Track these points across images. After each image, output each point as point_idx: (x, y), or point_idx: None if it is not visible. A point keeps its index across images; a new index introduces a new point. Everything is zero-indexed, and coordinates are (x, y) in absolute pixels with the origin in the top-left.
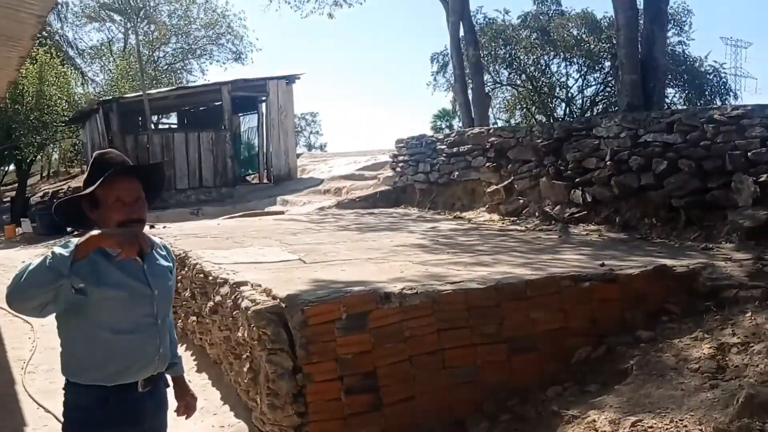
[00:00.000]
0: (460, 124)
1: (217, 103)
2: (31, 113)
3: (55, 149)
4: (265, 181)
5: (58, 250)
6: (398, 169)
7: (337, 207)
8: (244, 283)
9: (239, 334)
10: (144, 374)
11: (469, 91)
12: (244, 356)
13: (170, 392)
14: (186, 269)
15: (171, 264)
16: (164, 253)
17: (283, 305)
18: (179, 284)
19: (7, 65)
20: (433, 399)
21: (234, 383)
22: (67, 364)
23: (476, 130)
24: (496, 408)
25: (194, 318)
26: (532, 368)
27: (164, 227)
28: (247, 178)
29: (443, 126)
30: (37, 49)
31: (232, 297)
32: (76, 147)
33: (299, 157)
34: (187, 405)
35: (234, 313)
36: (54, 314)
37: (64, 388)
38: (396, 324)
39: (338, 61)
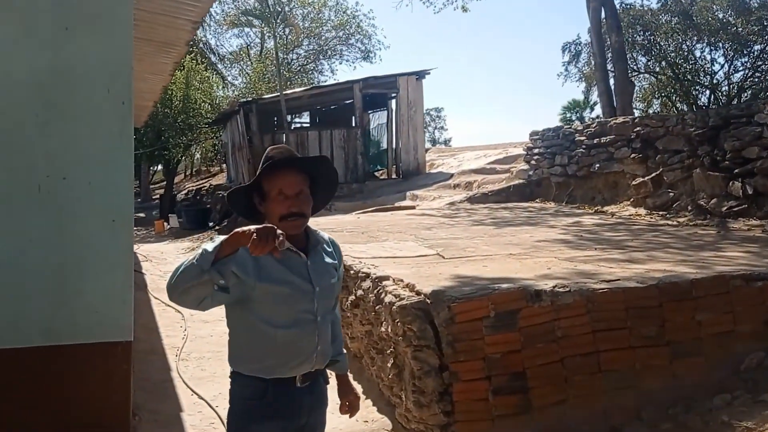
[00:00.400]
0: (592, 116)
1: (347, 102)
2: (179, 116)
3: (198, 149)
4: (394, 176)
5: (206, 246)
6: (533, 162)
7: (469, 201)
8: (386, 278)
9: (382, 329)
10: (301, 370)
11: (611, 80)
12: (388, 351)
13: (332, 390)
14: None
15: (337, 261)
16: (330, 249)
17: (429, 301)
18: None
19: (162, 71)
20: (587, 403)
21: (376, 378)
22: (232, 353)
23: (620, 119)
24: (657, 416)
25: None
26: (696, 374)
27: None
28: (376, 173)
29: (573, 118)
30: (185, 56)
31: (375, 291)
32: (216, 147)
33: (427, 152)
34: (351, 404)
35: (376, 307)
36: (213, 307)
37: (230, 377)
38: (547, 323)
39: (462, 56)
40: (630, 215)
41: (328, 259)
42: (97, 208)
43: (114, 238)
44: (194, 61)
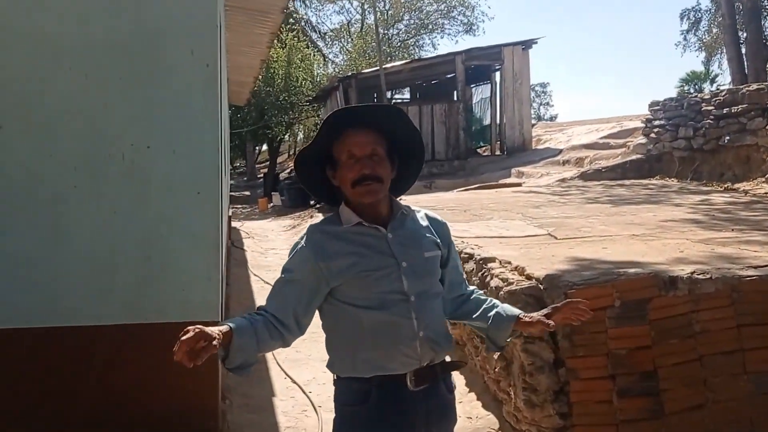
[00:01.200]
0: (712, 88)
1: (449, 76)
2: (281, 94)
3: (300, 128)
4: (498, 152)
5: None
6: (652, 135)
7: (581, 178)
8: (492, 260)
9: None
10: (405, 363)
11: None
12: None
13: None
14: None
15: (434, 235)
16: (426, 223)
17: (542, 287)
18: None
19: (259, 43)
20: (730, 410)
21: (480, 369)
22: (329, 356)
23: (753, 86)
24: None
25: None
26: None
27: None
28: (479, 150)
29: (691, 91)
30: (286, 34)
31: (479, 274)
32: (317, 125)
33: (533, 127)
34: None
35: (481, 291)
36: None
37: (333, 384)
38: (683, 316)
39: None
40: (766, 193)
41: (420, 231)
42: (181, 179)
43: (199, 212)
44: (295, 39)
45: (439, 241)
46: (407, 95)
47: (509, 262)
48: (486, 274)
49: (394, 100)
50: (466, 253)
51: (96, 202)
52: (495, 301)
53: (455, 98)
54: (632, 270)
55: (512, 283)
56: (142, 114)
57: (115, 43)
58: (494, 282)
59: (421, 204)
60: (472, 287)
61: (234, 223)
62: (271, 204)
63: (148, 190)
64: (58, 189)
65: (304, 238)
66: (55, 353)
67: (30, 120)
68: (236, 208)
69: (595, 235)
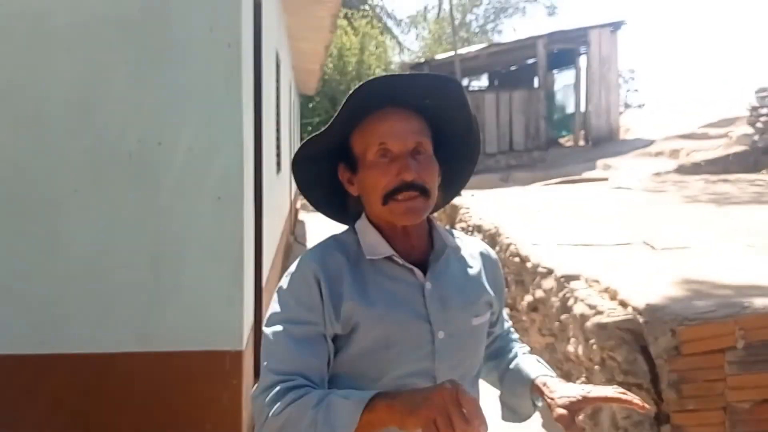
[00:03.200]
0: None
1: (529, 61)
2: (352, 83)
3: None
4: (582, 143)
5: (335, 408)
6: (759, 124)
7: (677, 172)
8: (576, 277)
9: (570, 349)
10: None
11: None
12: (578, 381)
13: None
14: (498, 249)
15: (487, 286)
16: (477, 264)
17: (642, 319)
18: None
19: (321, 27)
20: None
21: None
22: None
23: None
24: None
25: (508, 310)
26: None
27: (472, 195)
28: (560, 140)
29: None
30: (359, 21)
31: (560, 295)
32: None
33: (621, 115)
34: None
35: (562, 317)
36: None
37: None
38: None
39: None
40: None
41: (471, 282)
42: (197, 181)
43: (219, 221)
44: (369, 25)
45: (493, 294)
46: (484, 82)
47: (597, 281)
48: (568, 296)
49: (470, 89)
50: (543, 267)
51: (99, 209)
52: (525, 348)
53: (536, 85)
54: (759, 300)
55: (602, 312)
56: (153, 105)
57: (119, 20)
58: (579, 308)
59: (495, 201)
60: (507, 324)
61: (302, 216)
62: None
63: (159, 195)
64: (56, 194)
65: (307, 264)
66: (56, 384)
67: (21, 113)
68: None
69: (700, 245)
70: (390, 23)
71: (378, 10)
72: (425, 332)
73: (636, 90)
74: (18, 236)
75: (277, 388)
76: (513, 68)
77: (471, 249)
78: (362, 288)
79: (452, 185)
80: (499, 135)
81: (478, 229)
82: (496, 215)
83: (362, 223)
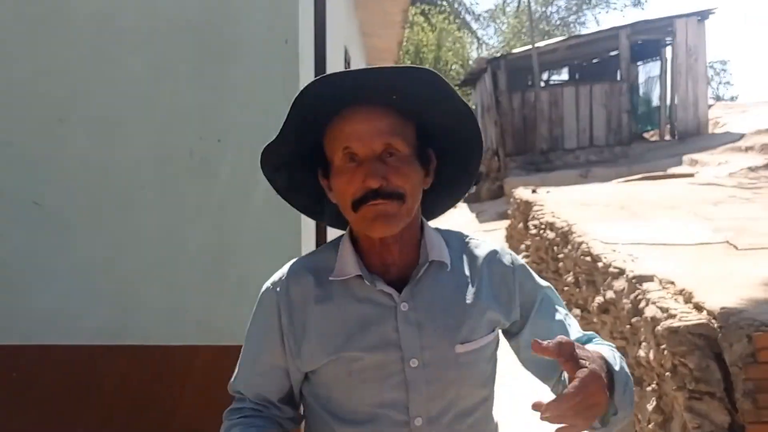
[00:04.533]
0: None
1: (612, 53)
2: None
3: None
4: (667, 137)
5: None
6: None
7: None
8: (649, 278)
9: (641, 353)
10: None
11: None
12: (649, 388)
13: None
14: (569, 247)
15: (493, 300)
16: (482, 276)
17: (716, 324)
18: (561, 264)
19: (392, 22)
20: None
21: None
22: None
23: None
24: None
25: (578, 311)
26: None
27: (547, 192)
28: (644, 135)
29: None
30: (437, 17)
31: (631, 297)
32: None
33: (710, 108)
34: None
35: (633, 320)
36: None
37: None
38: None
39: None
40: None
41: (462, 302)
42: (256, 176)
43: (278, 214)
44: (446, 21)
45: (499, 311)
46: (565, 75)
47: (672, 283)
48: (640, 297)
49: (551, 82)
50: (615, 267)
51: (164, 205)
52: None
53: (618, 77)
54: None
55: (674, 316)
56: (211, 102)
57: (183, 20)
58: (650, 310)
59: (571, 198)
60: (595, 337)
61: None
62: None
63: (219, 189)
64: (124, 190)
65: (272, 283)
66: (122, 373)
67: (91, 113)
68: None
69: None
70: (468, 18)
71: (456, 5)
72: (394, 360)
73: (728, 82)
74: (90, 231)
75: (229, 407)
76: (595, 61)
77: (475, 259)
78: (326, 315)
79: (454, 187)
80: (579, 130)
81: (550, 226)
82: (570, 212)
83: (346, 235)
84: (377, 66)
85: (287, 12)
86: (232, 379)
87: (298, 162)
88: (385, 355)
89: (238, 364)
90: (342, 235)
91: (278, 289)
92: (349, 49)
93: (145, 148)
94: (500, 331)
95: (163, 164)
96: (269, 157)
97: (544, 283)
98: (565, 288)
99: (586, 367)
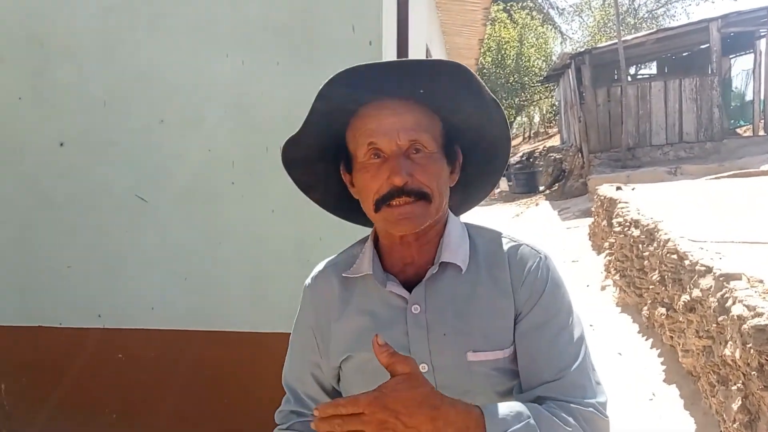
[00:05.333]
0: None
1: (702, 46)
2: (511, 76)
3: (536, 110)
4: (761, 133)
5: None
6: None
7: None
8: (736, 276)
9: (726, 352)
10: None
11: None
12: (734, 387)
13: None
14: (655, 245)
15: (510, 305)
16: (502, 275)
17: None
18: (646, 262)
19: (473, 20)
20: None
21: (716, 414)
22: None
23: None
24: None
25: (663, 310)
26: None
27: (632, 189)
28: (737, 130)
29: None
30: (519, 13)
31: (718, 295)
32: (554, 107)
33: None
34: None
35: (720, 318)
36: None
37: None
38: None
39: None
40: None
41: (479, 308)
42: None
43: None
44: (528, 17)
45: (516, 315)
46: (653, 69)
47: (761, 281)
48: (727, 296)
49: (639, 76)
50: (702, 265)
51: (253, 200)
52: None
53: (709, 71)
54: None
55: (762, 314)
56: (298, 102)
57: (272, 23)
58: (737, 309)
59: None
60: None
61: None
62: (499, 189)
63: None
64: (217, 186)
65: (307, 291)
66: (211, 357)
67: (188, 113)
68: None
69: None
70: (552, 13)
71: (540, 0)
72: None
73: None
74: (187, 223)
75: (278, 409)
76: (685, 54)
77: (503, 263)
78: (345, 313)
79: (480, 184)
80: (668, 125)
81: (635, 224)
82: (656, 210)
83: (371, 232)
84: (396, 60)
85: (371, 14)
86: (284, 372)
87: (318, 155)
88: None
89: (287, 358)
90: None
91: (310, 287)
92: (430, 48)
93: (236, 147)
94: None
95: (251, 162)
96: (291, 150)
97: (561, 302)
98: (651, 287)
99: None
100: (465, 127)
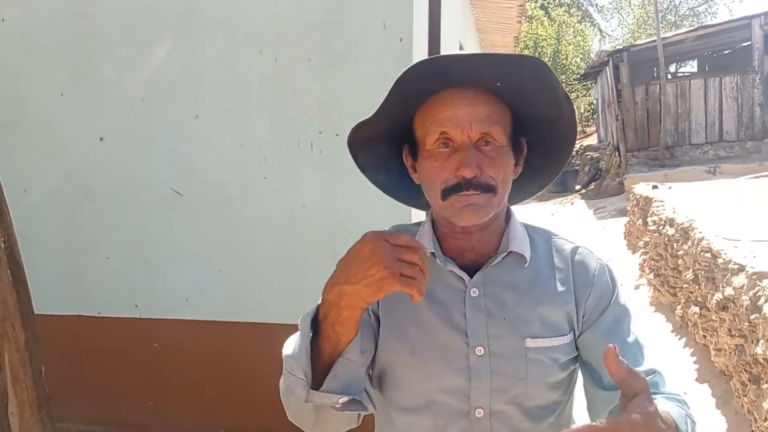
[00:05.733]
0: None
1: (744, 44)
2: None
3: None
4: None
5: (302, 320)
6: None
7: None
8: None
9: (758, 350)
10: None
11: None
12: (765, 385)
13: None
14: (689, 243)
15: (570, 300)
16: (560, 273)
17: None
18: (680, 261)
19: (508, 18)
20: None
21: (747, 413)
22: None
23: None
24: None
25: (697, 309)
26: None
27: (669, 188)
28: None
29: None
30: (556, 10)
31: (750, 293)
32: (592, 106)
33: None
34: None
35: (752, 317)
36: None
37: None
38: None
39: None
40: None
41: (539, 297)
42: None
43: (391, 202)
44: (566, 14)
45: (576, 312)
46: (693, 68)
47: None
48: (759, 294)
49: (679, 74)
50: (735, 263)
51: (285, 194)
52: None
53: (751, 69)
54: None
55: None
56: (330, 98)
57: (304, 21)
58: None
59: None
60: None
61: None
62: None
63: (337, 182)
64: (250, 181)
65: None
66: (244, 348)
67: (222, 108)
68: None
69: None
70: (591, 10)
71: None
72: (459, 344)
73: None
74: (217, 218)
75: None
76: (727, 52)
77: (558, 258)
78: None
79: (539, 178)
80: (707, 124)
81: (670, 222)
82: (692, 208)
83: (428, 216)
84: (486, 52)
85: (402, 11)
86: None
87: (383, 137)
88: (449, 337)
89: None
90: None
91: None
92: (464, 45)
93: (269, 142)
94: None
95: (284, 157)
96: (359, 131)
97: (625, 304)
98: (685, 286)
99: (645, 410)
100: (535, 121)
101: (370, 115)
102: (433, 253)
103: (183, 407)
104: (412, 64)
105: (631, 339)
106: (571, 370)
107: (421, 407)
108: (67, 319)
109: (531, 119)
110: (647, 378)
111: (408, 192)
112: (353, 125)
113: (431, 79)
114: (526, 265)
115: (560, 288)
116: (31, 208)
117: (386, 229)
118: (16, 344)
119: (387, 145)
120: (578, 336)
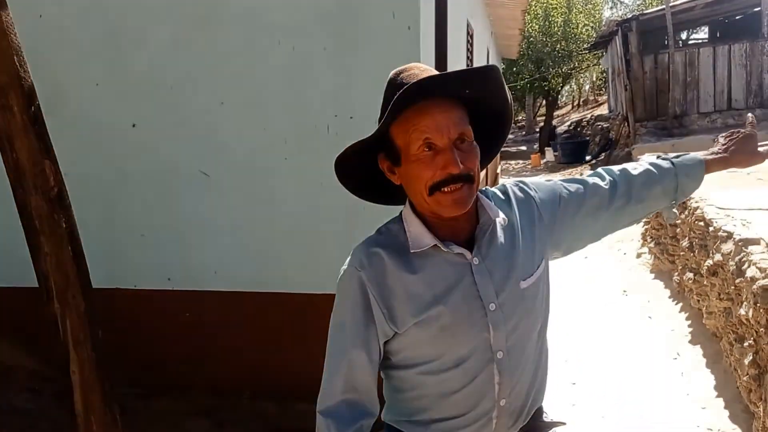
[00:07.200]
0: None
1: (755, 9)
2: (558, 43)
3: (586, 78)
4: None
5: None
6: None
7: None
8: (755, 241)
9: (741, 311)
10: None
11: None
12: (746, 344)
13: None
14: (686, 213)
15: (533, 226)
16: (516, 212)
17: None
18: (678, 230)
19: None
20: None
21: (734, 371)
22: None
23: None
24: None
25: (691, 275)
26: None
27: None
28: None
29: None
30: None
31: (737, 259)
32: (604, 74)
33: None
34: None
35: (737, 280)
36: None
37: None
38: None
39: None
40: None
41: (516, 243)
42: None
43: None
44: None
45: (542, 240)
46: (704, 35)
47: None
48: (744, 259)
49: (690, 42)
50: (725, 231)
51: (304, 174)
52: (657, 162)
53: (762, 35)
54: None
55: None
56: (344, 83)
57: (320, 11)
58: (750, 271)
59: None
60: (610, 172)
61: (503, 180)
62: (544, 159)
63: None
64: (271, 161)
65: (351, 264)
66: (268, 317)
67: (245, 95)
68: (509, 164)
69: None
70: None
71: None
72: (477, 308)
73: None
74: (242, 196)
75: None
76: (738, 17)
77: (506, 205)
78: (411, 281)
79: (485, 155)
80: (716, 92)
81: None
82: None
83: (406, 212)
84: (456, 70)
85: (410, 1)
86: (325, 377)
87: (357, 151)
88: (469, 307)
89: (328, 356)
90: (399, 215)
91: (358, 268)
92: (471, 22)
93: (289, 125)
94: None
95: (303, 139)
96: (344, 154)
97: (540, 179)
98: (681, 253)
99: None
100: (487, 114)
101: (366, 136)
102: (437, 246)
103: (211, 371)
104: (399, 92)
105: (576, 182)
106: (547, 281)
107: (450, 367)
108: (105, 293)
109: (483, 114)
110: (618, 173)
111: (374, 193)
112: (354, 125)
113: (412, 96)
114: (505, 225)
115: (523, 227)
116: (71, 191)
117: (372, 234)
118: (76, 311)
119: (356, 157)
120: (557, 235)
